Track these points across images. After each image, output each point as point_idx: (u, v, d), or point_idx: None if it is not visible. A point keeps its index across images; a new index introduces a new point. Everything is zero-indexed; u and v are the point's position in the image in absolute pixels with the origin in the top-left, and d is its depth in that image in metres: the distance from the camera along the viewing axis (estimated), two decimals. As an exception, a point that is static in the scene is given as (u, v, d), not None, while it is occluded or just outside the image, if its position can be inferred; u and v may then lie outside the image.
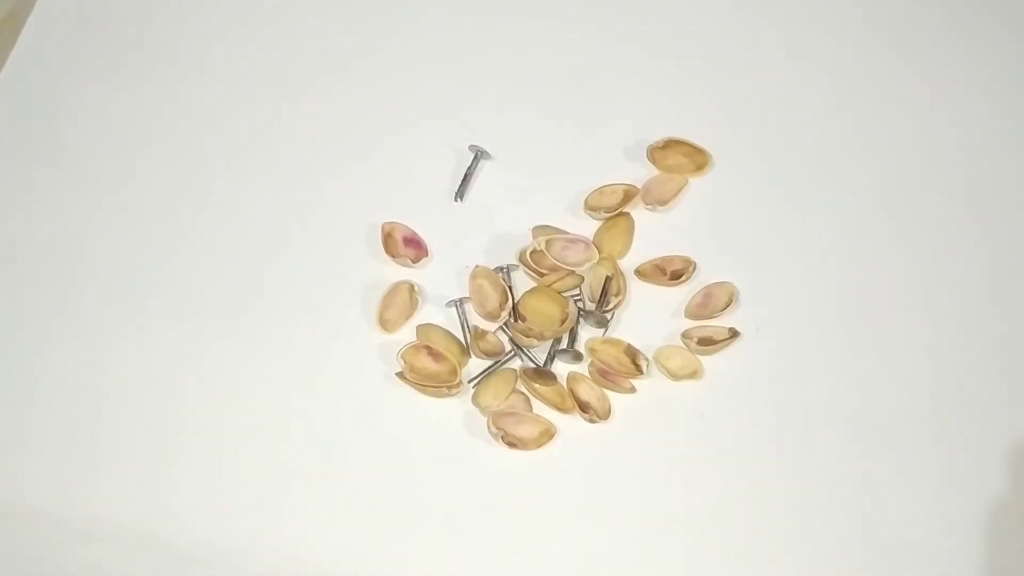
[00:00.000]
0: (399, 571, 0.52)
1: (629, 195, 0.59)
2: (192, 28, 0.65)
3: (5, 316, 0.57)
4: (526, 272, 0.57)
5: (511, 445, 0.54)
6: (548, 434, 0.54)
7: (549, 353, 0.56)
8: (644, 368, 0.55)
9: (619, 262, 0.58)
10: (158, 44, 0.64)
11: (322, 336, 0.57)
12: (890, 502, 0.52)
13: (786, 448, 0.54)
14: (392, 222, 0.58)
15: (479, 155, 0.60)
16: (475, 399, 0.55)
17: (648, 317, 0.57)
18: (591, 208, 0.59)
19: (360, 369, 0.56)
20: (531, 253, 0.57)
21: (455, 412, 0.55)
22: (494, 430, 0.54)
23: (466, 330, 0.56)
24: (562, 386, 0.55)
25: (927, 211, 0.59)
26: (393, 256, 0.58)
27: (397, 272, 0.58)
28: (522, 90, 0.62)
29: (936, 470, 0.53)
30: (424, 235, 0.58)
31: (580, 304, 0.57)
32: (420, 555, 0.52)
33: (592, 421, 0.54)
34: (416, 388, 0.55)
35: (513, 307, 0.56)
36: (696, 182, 0.60)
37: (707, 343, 0.55)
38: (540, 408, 0.55)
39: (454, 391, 0.55)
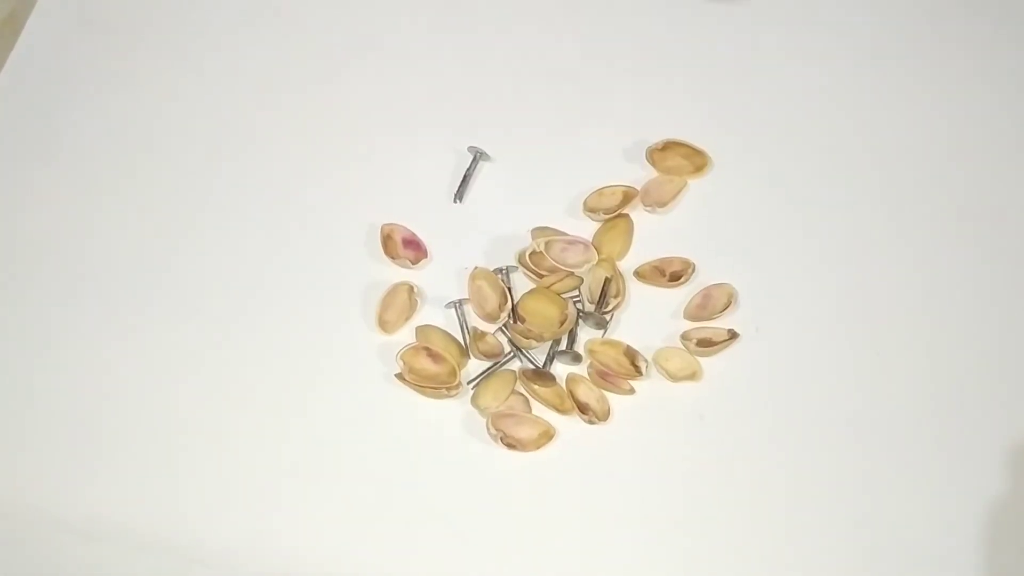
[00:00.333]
0: (399, 571, 0.52)
1: (628, 197, 0.59)
2: (192, 28, 0.65)
3: (5, 316, 0.57)
4: (525, 273, 0.57)
5: (510, 446, 0.54)
6: (547, 435, 0.54)
7: (548, 354, 0.56)
8: (643, 369, 0.55)
9: (618, 263, 0.58)
10: (158, 44, 0.64)
11: (322, 337, 0.56)
12: (890, 502, 0.52)
13: (786, 449, 0.54)
14: (391, 223, 0.58)
15: (478, 156, 0.60)
16: (474, 400, 0.55)
17: (647, 318, 0.57)
18: (590, 209, 0.59)
19: (359, 370, 0.56)
20: (530, 254, 0.57)
21: (454, 413, 0.55)
22: (493, 431, 0.54)
23: (465, 331, 0.56)
24: (561, 387, 0.55)
25: (926, 212, 0.59)
26: (392, 257, 0.58)
27: (396, 273, 0.58)
28: (521, 92, 0.62)
29: (936, 470, 0.53)
30: (423, 236, 0.58)
31: (579, 305, 0.57)
32: (420, 556, 0.52)
33: (591, 422, 0.54)
34: (415, 389, 0.55)
35: (512, 308, 0.56)
36: (695, 184, 0.60)
37: (706, 344, 0.55)
38: (539, 409, 0.55)
39: (453, 392, 0.55)
